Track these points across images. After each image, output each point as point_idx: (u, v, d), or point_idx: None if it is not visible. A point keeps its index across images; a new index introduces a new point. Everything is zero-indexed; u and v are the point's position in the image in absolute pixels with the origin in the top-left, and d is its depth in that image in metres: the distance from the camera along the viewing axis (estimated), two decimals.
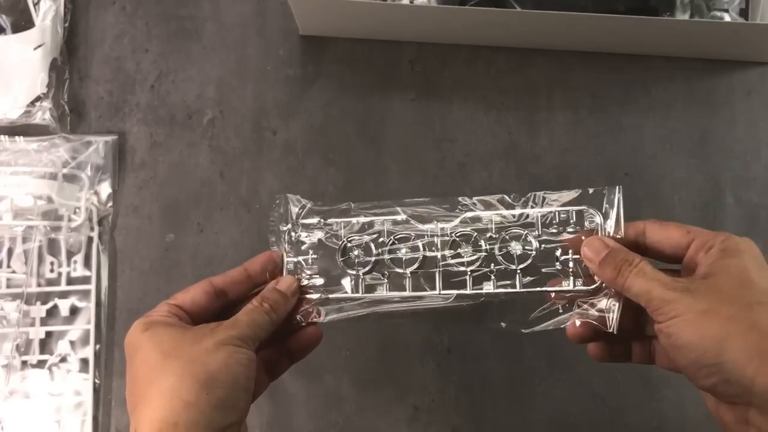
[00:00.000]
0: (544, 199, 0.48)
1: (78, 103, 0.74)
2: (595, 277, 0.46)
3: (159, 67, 0.75)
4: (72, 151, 0.71)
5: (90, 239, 0.70)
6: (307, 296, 0.50)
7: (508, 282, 0.49)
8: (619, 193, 0.46)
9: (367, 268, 0.50)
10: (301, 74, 0.75)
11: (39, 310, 0.68)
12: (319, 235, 0.51)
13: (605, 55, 0.74)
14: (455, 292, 0.49)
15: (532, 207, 0.48)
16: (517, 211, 0.48)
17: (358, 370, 0.69)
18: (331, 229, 0.51)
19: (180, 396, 0.39)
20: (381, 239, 0.50)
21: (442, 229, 0.49)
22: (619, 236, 0.45)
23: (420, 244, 0.49)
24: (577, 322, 0.47)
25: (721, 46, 0.72)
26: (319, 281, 0.51)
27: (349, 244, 0.50)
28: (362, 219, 0.51)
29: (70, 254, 0.70)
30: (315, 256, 0.51)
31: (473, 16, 0.69)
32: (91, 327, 0.68)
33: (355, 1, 0.68)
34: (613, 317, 0.45)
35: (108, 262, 0.70)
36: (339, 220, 0.51)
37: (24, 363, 0.67)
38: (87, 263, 0.70)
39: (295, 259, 0.51)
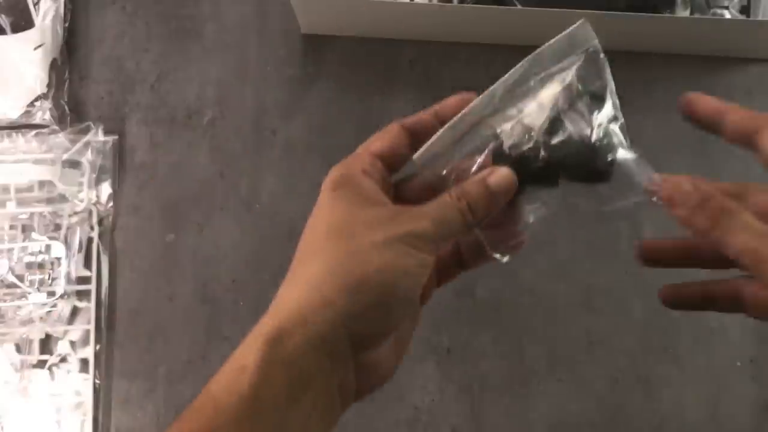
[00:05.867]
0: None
1: (78, 103, 0.74)
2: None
3: (159, 67, 0.75)
4: (72, 143, 0.71)
5: (90, 239, 0.70)
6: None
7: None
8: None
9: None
10: (302, 74, 0.74)
11: (39, 310, 0.68)
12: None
13: (605, 53, 0.74)
14: None
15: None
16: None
17: None
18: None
19: (321, 290, 0.33)
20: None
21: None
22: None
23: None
24: None
25: (721, 44, 0.72)
26: None
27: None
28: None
29: (70, 254, 0.70)
30: None
31: (474, 14, 0.69)
32: (91, 327, 0.68)
33: None
34: None
35: (108, 262, 0.70)
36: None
37: (24, 363, 0.67)
38: (87, 263, 0.70)
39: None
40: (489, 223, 0.36)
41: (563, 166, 0.36)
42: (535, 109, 0.36)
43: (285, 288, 0.35)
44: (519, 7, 0.68)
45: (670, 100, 0.74)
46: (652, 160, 0.75)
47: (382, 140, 0.39)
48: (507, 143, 0.36)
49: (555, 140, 0.36)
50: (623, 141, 0.37)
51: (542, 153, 0.36)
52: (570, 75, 0.37)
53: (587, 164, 0.36)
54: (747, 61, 0.74)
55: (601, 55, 0.37)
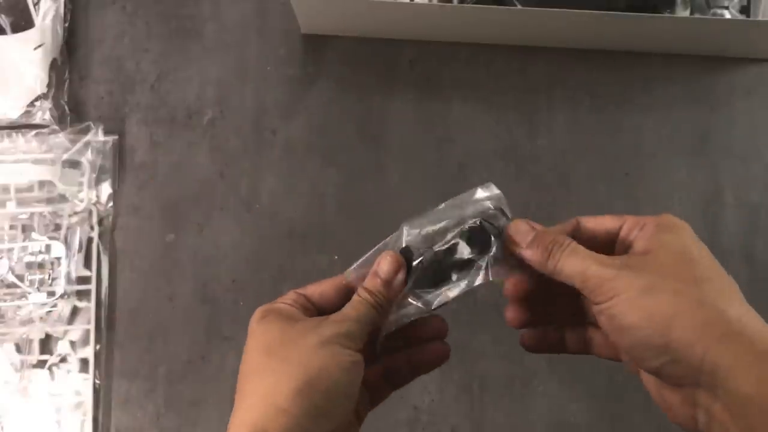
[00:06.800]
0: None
1: (78, 103, 0.74)
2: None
3: (159, 67, 0.75)
4: (71, 143, 0.71)
5: (90, 239, 0.70)
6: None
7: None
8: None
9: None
10: (302, 74, 0.74)
11: (39, 310, 0.68)
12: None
13: (605, 53, 0.74)
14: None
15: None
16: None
17: None
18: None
19: (274, 401, 0.37)
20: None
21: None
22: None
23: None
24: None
25: (721, 44, 0.72)
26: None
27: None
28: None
29: (70, 254, 0.70)
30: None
31: (474, 14, 0.69)
32: (91, 327, 0.68)
33: None
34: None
35: (108, 262, 0.70)
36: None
37: (24, 363, 0.67)
38: (87, 263, 0.70)
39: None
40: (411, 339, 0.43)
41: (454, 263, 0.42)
42: (442, 228, 0.43)
43: (239, 407, 0.38)
44: (519, 7, 0.68)
45: (670, 100, 0.74)
46: (652, 159, 0.76)
47: (316, 286, 0.44)
48: (414, 251, 0.42)
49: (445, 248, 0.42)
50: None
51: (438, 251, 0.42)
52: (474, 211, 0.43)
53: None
54: (747, 61, 0.74)
55: (507, 213, 0.43)
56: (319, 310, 0.43)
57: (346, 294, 0.43)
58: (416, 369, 0.44)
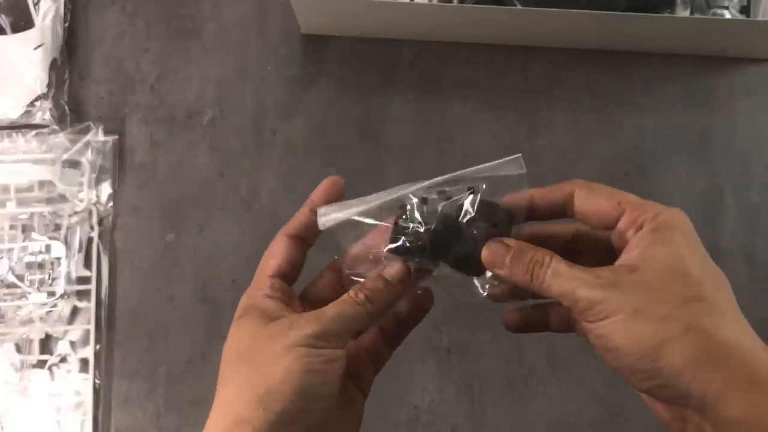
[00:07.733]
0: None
1: (78, 103, 0.74)
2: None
3: (159, 67, 0.75)
4: (71, 143, 0.72)
5: (90, 239, 0.70)
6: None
7: None
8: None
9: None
10: (302, 74, 0.75)
11: (39, 310, 0.68)
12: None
13: (605, 53, 0.74)
14: None
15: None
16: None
17: None
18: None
19: (234, 410, 0.37)
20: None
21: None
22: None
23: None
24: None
25: (721, 44, 0.72)
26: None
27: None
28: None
29: (70, 254, 0.70)
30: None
31: (474, 14, 0.69)
32: (91, 327, 0.68)
33: None
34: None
35: (108, 262, 0.70)
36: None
37: (24, 363, 0.67)
38: (87, 263, 0.70)
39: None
40: None
41: (446, 255, 0.41)
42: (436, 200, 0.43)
43: (210, 414, 0.39)
44: (519, 7, 0.68)
45: (669, 100, 0.74)
46: (652, 159, 0.76)
47: (274, 258, 0.43)
48: (404, 224, 0.42)
49: (442, 232, 0.41)
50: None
51: (427, 239, 0.41)
52: (481, 188, 0.42)
53: (467, 260, 0.40)
54: (747, 61, 0.74)
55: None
56: (293, 278, 0.43)
57: (300, 245, 0.43)
58: (406, 323, 0.44)
